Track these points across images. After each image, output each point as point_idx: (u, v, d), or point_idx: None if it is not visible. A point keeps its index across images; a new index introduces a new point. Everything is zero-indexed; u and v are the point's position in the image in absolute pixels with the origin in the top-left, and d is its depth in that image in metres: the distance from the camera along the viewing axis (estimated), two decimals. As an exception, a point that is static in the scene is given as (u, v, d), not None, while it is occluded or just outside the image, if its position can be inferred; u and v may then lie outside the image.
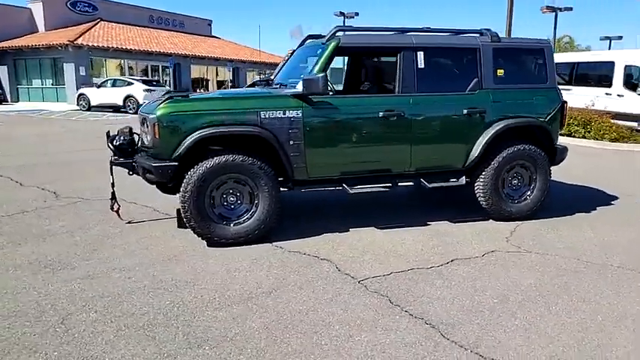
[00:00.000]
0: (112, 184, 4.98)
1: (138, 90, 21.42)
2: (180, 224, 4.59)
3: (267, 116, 4.35)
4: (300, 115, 4.43)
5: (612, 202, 6.05)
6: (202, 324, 3.00)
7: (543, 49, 5.27)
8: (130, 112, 21.31)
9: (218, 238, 4.31)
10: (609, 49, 25.05)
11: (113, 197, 5.00)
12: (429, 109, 4.82)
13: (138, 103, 21.29)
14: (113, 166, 4.76)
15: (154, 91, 21.70)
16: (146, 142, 4.35)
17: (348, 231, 4.82)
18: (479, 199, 5.11)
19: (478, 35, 5.14)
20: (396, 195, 4.55)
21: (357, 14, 31.07)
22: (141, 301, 3.30)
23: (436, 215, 5.31)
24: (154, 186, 4.79)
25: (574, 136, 12.21)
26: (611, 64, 13.25)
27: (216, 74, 35.71)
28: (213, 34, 40.59)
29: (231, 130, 4.25)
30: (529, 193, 5.25)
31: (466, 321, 3.06)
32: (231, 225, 4.36)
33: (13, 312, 3.13)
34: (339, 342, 2.81)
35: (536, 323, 3.06)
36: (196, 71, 33.83)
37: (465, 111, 4.89)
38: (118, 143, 4.66)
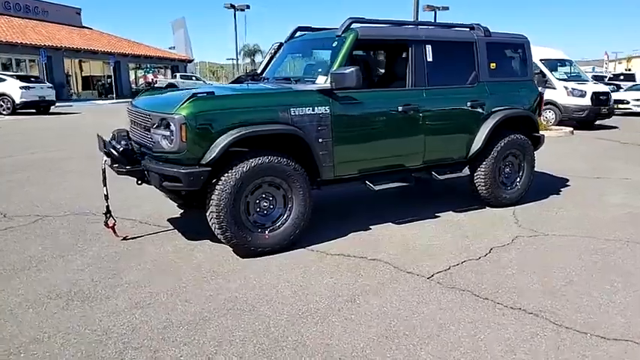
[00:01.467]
0: (106, 197, 4.33)
1: (13, 87, 18.81)
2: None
3: (297, 113, 4.08)
4: (328, 111, 4.22)
5: (568, 184, 6.67)
6: (319, 341, 2.73)
7: (524, 44, 5.63)
8: (4, 113, 18.67)
9: (255, 247, 3.95)
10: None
11: (108, 212, 4.35)
12: (439, 102, 4.89)
13: (14, 102, 18.74)
14: (120, 176, 4.14)
15: (32, 88, 19.27)
16: (164, 146, 3.81)
17: (370, 228, 4.73)
18: (479, 188, 5.31)
19: (469, 30, 5.31)
20: (388, 190, 4.54)
21: (247, 7, 30.57)
22: (227, 324, 2.91)
23: (437, 207, 5.41)
24: (150, 195, 4.25)
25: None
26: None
27: (92, 69, 32.81)
28: (83, 24, 37.01)
29: (268, 130, 3.92)
30: (519, 180, 5.59)
31: (562, 305, 3.16)
32: (267, 232, 4.03)
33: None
34: (471, 343, 2.73)
35: (620, 299, 3.26)
36: (70, 65, 30.71)
37: (469, 103, 5.05)
38: (122, 148, 4.04)
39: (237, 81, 5.57)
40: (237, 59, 42.41)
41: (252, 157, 3.85)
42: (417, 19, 17.63)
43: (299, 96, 4.16)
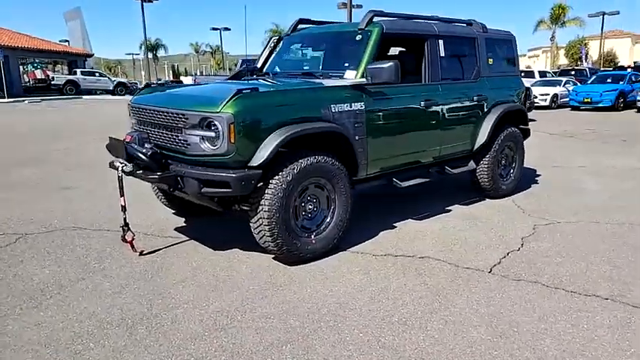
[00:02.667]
0: (124, 208, 3.84)
1: None
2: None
3: (337, 110, 3.90)
4: (363, 107, 4.08)
5: (538, 173, 7.07)
6: (436, 348, 2.60)
7: (512, 40, 5.86)
8: None
9: (304, 253, 3.72)
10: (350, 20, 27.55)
11: (126, 225, 3.85)
12: (452, 97, 4.93)
13: None
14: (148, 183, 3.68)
15: None
16: (205, 149, 3.43)
17: (394, 226, 4.65)
18: (481, 180, 5.45)
19: (467, 25, 5.42)
20: (389, 186, 4.52)
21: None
22: (332, 339, 2.68)
23: (442, 201, 5.46)
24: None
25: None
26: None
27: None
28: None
29: (317, 128, 3.69)
30: (512, 171, 5.82)
31: (627, 289, 3.30)
32: (312, 236, 3.80)
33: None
34: (580, 333, 2.76)
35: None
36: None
37: (475, 98, 5.15)
38: (151, 152, 3.57)
39: (237, 76, 5.19)
40: (146, 54, 40.08)
41: (302, 158, 3.60)
42: (351, 19, 17.80)
43: (338, 92, 3.96)
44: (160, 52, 75.66)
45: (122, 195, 3.82)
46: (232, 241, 4.16)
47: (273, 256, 3.83)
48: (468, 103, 5.10)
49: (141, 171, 3.65)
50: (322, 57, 4.90)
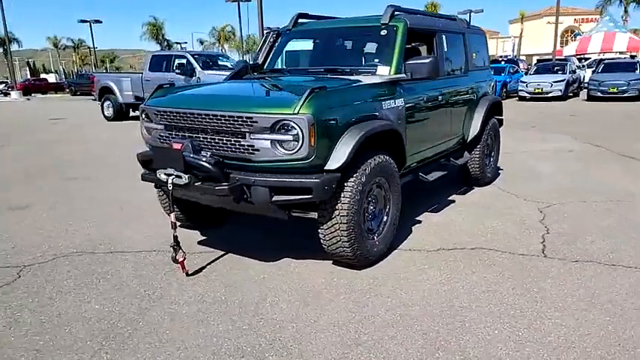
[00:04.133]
0: (174, 225, 3.41)
1: None
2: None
3: (386, 107, 3.85)
4: (403, 103, 4.07)
5: (505, 158, 7.59)
6: (575, 337, 2.71)
7: (484, 35, 6.22)
8: None
9: (372, 255, 3.64)
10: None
11: (177, 243, 3.43)
12: (456, 90, 5.12)
13: None
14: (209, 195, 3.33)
15: None
16: (279, 154, 3.17)
17: (419, 220, 4.72)
18: (472, 169, 5.73)
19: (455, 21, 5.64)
20: None
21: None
22: (463, 343, 2.65)
23: (439, 192, 5.64)
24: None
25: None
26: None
27: None
28: None
29: (384, 126, 3.61)
30: (492, 159, 6.20)
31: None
32: (375, 237, 3.72)
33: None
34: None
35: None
36: None
37: (470, 90, 5.40)
38: (214, 161, 3.20)
39: (239, 74, 4.83)
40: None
41: (369, 158, 3.50)
42: (262, 19, 17.50)
43: (385, 89, 3.90)
44: (13, 47, 67.16)
45: (172, 211, 3.39)
46: (268, 249, 3.97)
47: (331, 261, 3.68)
48: (465, 96, 5.32)
49: (200, 183, 3.26)
50: (336, 52, 4.77)
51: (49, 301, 3.18)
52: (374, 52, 4.43)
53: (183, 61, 13.06)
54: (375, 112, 3.66)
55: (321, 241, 3.47)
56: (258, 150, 3.21)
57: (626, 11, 43.20)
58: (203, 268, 3.66)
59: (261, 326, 2.83)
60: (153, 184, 3.75)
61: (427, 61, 3.97)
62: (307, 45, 5.31)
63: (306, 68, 4.65)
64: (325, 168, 3.24)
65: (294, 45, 5.15)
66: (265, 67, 4.93)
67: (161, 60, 13.99)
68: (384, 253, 3.80)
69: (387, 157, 3.69)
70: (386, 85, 3.94)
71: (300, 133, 3.09)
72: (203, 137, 3.43)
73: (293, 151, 3.14)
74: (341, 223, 3.32)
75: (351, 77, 4.08)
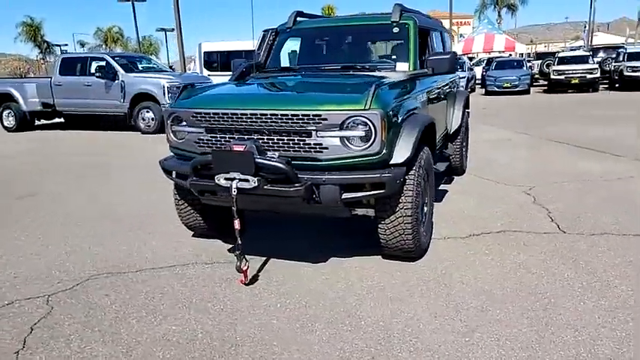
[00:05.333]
0: (240, 233, 3.22)
1: None
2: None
3: (418, 101, 3.95)
4: (426, 97, 4.21)
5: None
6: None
7: (450, 33, 6.57)
8: None
9: (423, 246, 3.71)
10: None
11: (241, 252, 3.23)
12: (445, 83, 5.37)
13: None
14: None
15: None
16: (349, 151, 3.12)
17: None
18: (453, 160, 6.03)
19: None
20: None
21: None
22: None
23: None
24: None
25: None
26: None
27: None
28: None
29: (431, 119, 3.69)
30: (464, 149, 6.59)
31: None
32: (422, 227, 3.81)
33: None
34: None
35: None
36: None
37: (452, 84, 5.71)
38: (286, 161, 3.06)
39: (242, 75, 4.63)
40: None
41: (421, 150, 3.58)
42: (180, 19, 16.70)
43: (413, 84, 3.99)
44: None
45: (237, 217, 3.19)
46: (304, 250, 3.87)
47: (379, 256, 3.71)
48: (449, 90, 5.60)
49: (269, 185, 3.10)
50: (346, 50, 4.77)
51: (111, 328, 2.83)
52: (388, 49, 4.51)
53: (103, 63, 12.11)
54: (415, 106, 3.75)
55: (381, 235, 3.47)
56: (326, 148, 3.13)
57: (499, 15, 47.75)
58: (256, 276, 3.47)
59: (366, 326, 2.78)
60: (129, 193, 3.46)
61: (448, 56, 4.14)
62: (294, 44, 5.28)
63: (319, 66, 4.58)
64: (391, 162, 3.25)
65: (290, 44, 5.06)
66: (267, 66, 4.78)
67: (74, 62, 12.83)
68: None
69: (428, 150, 3.79)
70: (412, 81, 4.04)
71: (372, 128, 3.07)
72: (259, 138, 3.26)
73: (365, 147, 3.11)
74: (405, 216, 3.35)
75: (375, 74, 4.12)
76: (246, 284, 3.33)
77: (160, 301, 3.14)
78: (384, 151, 3.14)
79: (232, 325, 2.82)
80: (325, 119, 3.09)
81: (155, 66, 13.54)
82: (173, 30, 35.85)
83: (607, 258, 3.58)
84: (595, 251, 3.71)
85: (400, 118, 3.36)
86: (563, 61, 20.41)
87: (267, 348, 2.59)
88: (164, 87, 11.44)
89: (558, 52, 25.05)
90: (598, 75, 19.34)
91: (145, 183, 6.42)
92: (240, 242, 3.23)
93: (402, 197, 3.34)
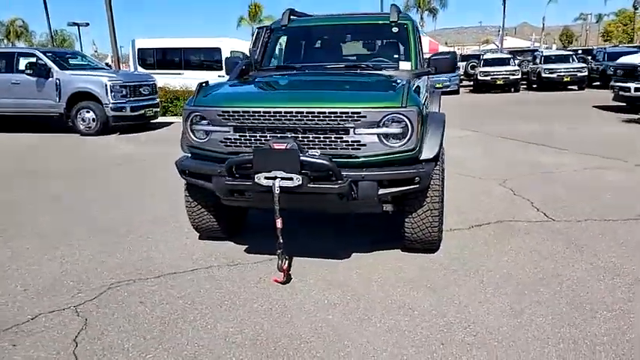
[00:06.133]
0: (281, 232, 3.21)
1: None
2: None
3: (426, 98, 4.14)
4: (428, 94, 4.41)
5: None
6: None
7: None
8: None
9: (440, 242, 3.89)
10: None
11: (282, 250, 3.23)
12: (429, 84, 5.61)
13: None
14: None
15: None
16: (387, 148, 3.21)
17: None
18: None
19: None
20: None
21: None
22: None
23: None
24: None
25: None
26: (218, 50, 15.29)
27: None
28: None
29: (444, 115, 3.87)
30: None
31: None
32: (440, 221, 3.99)
33: None
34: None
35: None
36: None
37: (430, 82, 5.97)
38: (328, 159, 3.09)
39: (243, 73, 4.56)
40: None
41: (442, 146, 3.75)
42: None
43: (422, 82, 4.16)
44: None
45: (280, 216, 3.17)
46: (320, 247, 3.93)
47: (397, 250, 3.84)
48: (431, 85, 5.84)
49: (312, 183, 3.12)
50: (345, 49, 4.84)
51: (165, 335, 2.72)
52: (389, 48, 4.64)
53: (33, 59, 11.24)
54: (428, 103, 3.91)
55: (407, 229, 3.59)
56: (364, 145, 3.20)
57: (422, 18, 49.83)
58: (289, 278, 3.45)
59: (421, 315, 2.88)
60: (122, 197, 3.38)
61: (449, 56, 4.35)
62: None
63: (320, 64, 4.60)
64: (422, 158, 3.38)
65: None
66: (264, 64, 4.74)
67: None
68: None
69: None
70: (419, 80, 4.20)
71: (409, 125, 3.19)
72: (293, 136, 3.26)
73: (402, 144, 3.21)
74: (433, 209, 3.50)
75: (382, 72, 4.24)
76: (283, 283, 3.31)
77: (201, 305, 3.05)
78: (418, 147, 3.27)
79: (290, 323, 2.82)
80: (364, 116, 3.16)
81: (90, 63, 12.77)
82: (87, 24, 34.03)
83: (602, 241, 3.95)
84: (588, 235, 4.08)
85: (425, 115, 3.50)
86: (488, 63, 21.79)
87: (336, 342, 2.62)
88: (106, 85, 10.85)
89: (482, 54, 26.66)
90: (519, 76, 20.86)
91: (116, 189, 6.12)
92: (281, 241, 3.21)
93: (430, 191, 3.48)
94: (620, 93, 12.63)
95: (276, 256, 3.26)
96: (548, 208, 4.82)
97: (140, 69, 15.85)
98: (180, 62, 15.65)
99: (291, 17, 4.91)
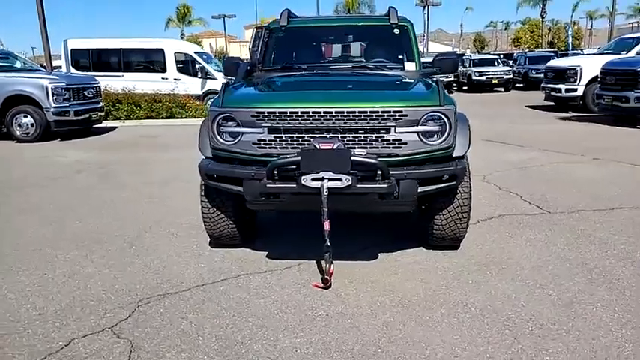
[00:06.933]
0: (328, 234, 3.11)
1: None
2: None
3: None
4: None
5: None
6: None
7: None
8: None
9: (462, 236, 3.96)
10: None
11: (330, 253, 3.13)
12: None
13: None
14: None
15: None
16: (427, 146, 3.21)
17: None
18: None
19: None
20: None
21: None
22: None
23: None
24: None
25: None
26: (161, 51, 14.66)
27: None
28: None
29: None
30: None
31: None
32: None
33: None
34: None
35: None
36: None
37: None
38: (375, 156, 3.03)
39: (249, 73, 4.37)
40: None
41: None
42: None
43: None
44: None
45: (328, 218, 3.06)
46: (350, 250, 3.87)
47: (420, 247, 3.86)
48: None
49: (360, 183, 3.05)
50: (348, 50, 4.78)
51: (229, 350, 2.52)
52: (390, 49, 4.64)
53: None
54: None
55: (436, 226, 3.61)
56: (405, 143, 3.18)
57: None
58: (327, 282, 3.34)
59: (478, 310, 2.89)
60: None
61: (453, 56, 4.44)
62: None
63: (327, 65, 4.51)
64: (454, 155, 3.41)
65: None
66: (265, 64, 4.58)
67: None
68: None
69: None
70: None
71: (447, 123, 3.22)
72: (332, 136, 3.17)
73: (440, 142, 3.23)
74: (464, 205, 3.56)
75: (391, 72, 4.25)
76: (325, 288, 3.21)
77: (251, 316, 2.88)
78: (453, 144, 3.30)
79: (355, 328, 2.73)
80: (406, 115, 3.14)
81: (25, 64, 11.77)
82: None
83: (603, 230, 4.19)
84: (587, 225, 4.32)
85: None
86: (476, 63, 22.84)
87: (411, 345, 2.56)
88: (47, 88, 10.03)
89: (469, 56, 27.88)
90: (452, 78, 21.85)
91: (87, 197, 5.69)
92: (329, 244, 3.11)
93: (461, 187, 3.53)
94: (552, 93, 13.59)
95: (304, 261, 3.22)
96: (538, 201, 5.05)
97: (74, 71, 14.84)
98: (120, 64, 14.81)
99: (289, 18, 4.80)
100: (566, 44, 39.74)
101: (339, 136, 3.16)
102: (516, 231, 4.22)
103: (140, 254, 3.88)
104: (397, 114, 3.13)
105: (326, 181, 2.98)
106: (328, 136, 3.16)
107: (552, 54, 25.59)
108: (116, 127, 12.43)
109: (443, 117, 3.19)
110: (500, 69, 22.72)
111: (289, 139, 3.19)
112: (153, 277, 3.44)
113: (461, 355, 2.47)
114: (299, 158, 3.00)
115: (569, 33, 40.11)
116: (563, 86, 13.00)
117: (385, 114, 3.12)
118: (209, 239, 4.08)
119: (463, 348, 2.53)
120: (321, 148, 3.01)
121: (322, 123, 3.14)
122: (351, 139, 3.16)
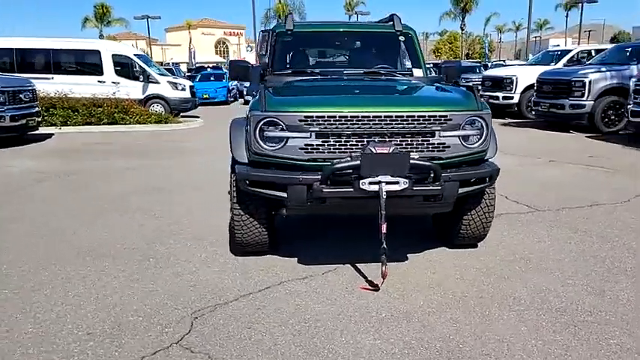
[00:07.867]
0: (385, 237, 3.16)
1: None
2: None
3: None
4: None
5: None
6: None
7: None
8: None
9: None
10: None
11: (386, 255, 3.18)
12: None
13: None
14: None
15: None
16: (466, 149, 3.35)
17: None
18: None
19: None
20: None
21: None
22: None
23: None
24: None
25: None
26: (97, 52, 13.85)
27: None
28: None
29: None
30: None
31: None
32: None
33: None
34: None
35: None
36: None
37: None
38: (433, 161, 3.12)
39: (262, 76, 4.30)
40: None
41: None
42: None
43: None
44: None
45: (385, 221, 3.10)
46: (372, 252, 3.92)
47: (441, 247, 4.02)
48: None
49: (416, 186, 3.13)
50: (355, 55, 4.84)
51: (326, 355, 2.50)
52: (396, 56, 4.77)
53: None
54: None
55: (464, 227, 3.76)
56: (448, 147, 3.31)
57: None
58: (375, 285, 3.37)
59: (531, 303, 3.06)
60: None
61: (456, 64, 4.66)
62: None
63: (337, 69, 4.54)
64: (486, 157, 3.59)
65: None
66: (274, 68, 4.53)
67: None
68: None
69: None
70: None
71: (484, 126, 3.39)
72: (380, 140, 3.22)
73: (479, 144, 3.40)
74: (491, 205, 3.74)
75: (404, 78, 4.39)
76: (374, 290, 3.25)
77: (318, 321, 2.84)
78: (488, 147, 3.48)
79: (428, 327, 2.78)
80: (450, 119, 3.27)
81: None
82: None
83: (593, 224, 4.58)
84: (578, 221, 4.69)
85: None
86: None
87: (491, 339, 2.66)
88: (-19, 91, 9.17)
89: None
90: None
91: (65, 207, 5.30)
92: (385, 246, 3.15)
93: (488, 189, 3.71)
94: (490, 101, 14.45)
95: (338, 265, 3.27)
96: (526, 200, 5.40)
97: (-4, 73, 13.58)
98: (49, 65, 13.75)
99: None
100: (484, 55, 42.44)
101: (387, 139, 3.22)
102: (521, 228, 4.49)
103: (163, 266, 3.68)
104: (442, 118, 3.24)
105: (384, 184, 3.03)
106: (377, 140, 3.20)
107: (478, 64, 27.18)
108: (52, 134, 11.60)
109: (481, 121, 3.35)
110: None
111: (337, 144, 3.19)
112: (192, 289, 3.29)
113: (536, 345, 2.61)
114: (358, 162, 3.02)
115: (487, 45, 42.89)
116: (500, 94, 13.88)
117: (432, 118, 3.23)
118: (229, 248, 3.99)
119: (536, 339, 2.67)
120: (378, 151, 3.04)
121: (371, 127, 3.18)
122: (398, 142, 3.23)
